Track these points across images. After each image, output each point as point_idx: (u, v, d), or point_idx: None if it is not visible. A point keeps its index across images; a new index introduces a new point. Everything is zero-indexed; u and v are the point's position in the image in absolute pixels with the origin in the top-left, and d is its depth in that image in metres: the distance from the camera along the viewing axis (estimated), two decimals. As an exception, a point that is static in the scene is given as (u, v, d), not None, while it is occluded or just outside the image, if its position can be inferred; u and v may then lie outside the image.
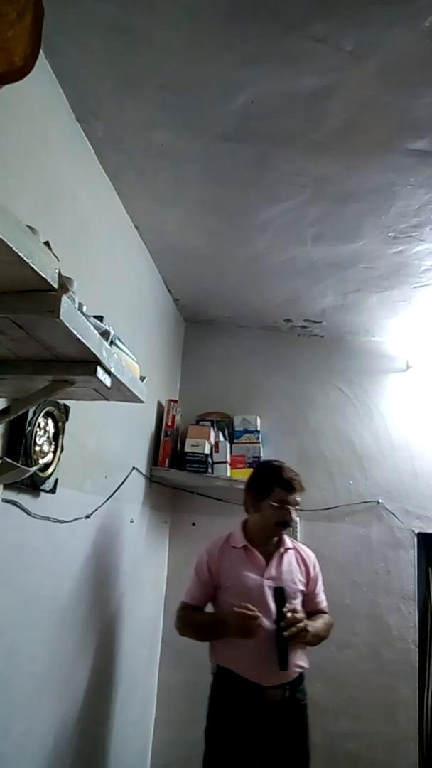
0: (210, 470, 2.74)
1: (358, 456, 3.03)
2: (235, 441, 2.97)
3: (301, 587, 2.12)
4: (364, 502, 2.95)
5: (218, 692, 2.03)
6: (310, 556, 2.22)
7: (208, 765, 1.97)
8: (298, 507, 2.12)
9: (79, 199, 1.74)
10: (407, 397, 3.09)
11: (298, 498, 2.10)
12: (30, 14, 0.97)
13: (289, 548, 2.18)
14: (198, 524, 3.00)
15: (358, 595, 2.83)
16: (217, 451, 2.83)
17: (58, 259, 0.90)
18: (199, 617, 2.12)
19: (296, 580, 2.10)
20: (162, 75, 1.51)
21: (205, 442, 2.75)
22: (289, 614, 1.92)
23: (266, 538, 2.13)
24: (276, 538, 2.15)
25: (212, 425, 2.89)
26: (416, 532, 2.89)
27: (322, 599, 2.21)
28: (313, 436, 3.08)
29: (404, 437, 3.03)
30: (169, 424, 2.73)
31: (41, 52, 1.15)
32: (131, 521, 2.38)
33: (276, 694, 1.95)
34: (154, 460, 2.66)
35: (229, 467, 2.83)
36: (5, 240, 0.72)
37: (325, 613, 2.18)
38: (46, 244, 0.89)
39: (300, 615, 1.95)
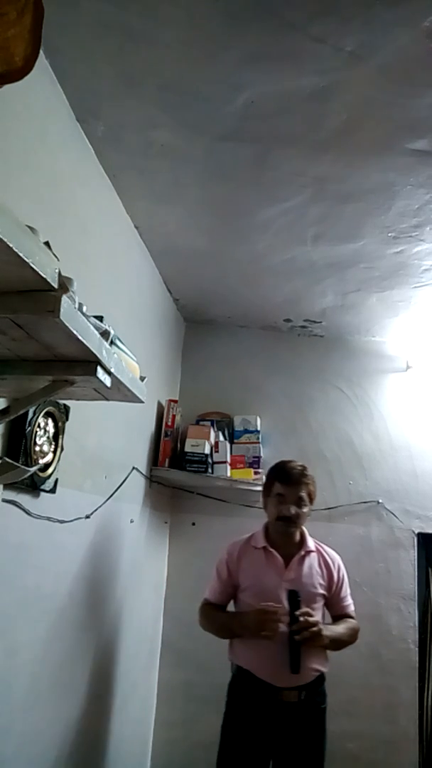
0: (210, 470, 2.74)
1: (358, 456, 3.03)
2: (235, 441, 2.97)
3: (322, 591, 2.08)
4: (364, 502, 2.94)
5: (236, 692, 2.04)
6: (334, 559, 2.18)
7: (223, 763, 1.98)
8: (304, 504, 2.07)
9: (79, 199, 1.74)
10: (407, 397, 3.09)
11: (301, 493, 2.06)
12: (30, 14, 0.97)
13: (312, 551, 2.14)
14: (198, 524, 3.00)
15: (358, 595, 2.81)
16: (217, 451, 2.83)
17: (58, 259, 0.90)
18: (220, 615, 2.13)
19: (316, 584, 2.07)
20: (162, 75, 1.51)
21: (205, 442, 2.75)
22: (301, 618, 1.90)
23: (283, 538, 2.11)
24: (298, 540, 2.13)
25: (212, 425, 2.89)
26: (416, 532, 2.90)
27: (348, 603, 2.17)
28: (313, 436, 3.08)
29: (404, 437, 3.03)
30: (169, 424, 2.72)
31: (41, 52, 1.15)
32: (131, 521, 2.38)
33: (292, 695, 1.95)
34: (154, 460, 2.66)
35: (229, 467, 2.83)
36: (5, 240, 0.72)
37: (351, 617, 2.14)
38: (46, 244, 0.89)
39: (313, 619, 1.92)
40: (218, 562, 2.17)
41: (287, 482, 2.06)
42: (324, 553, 2.18)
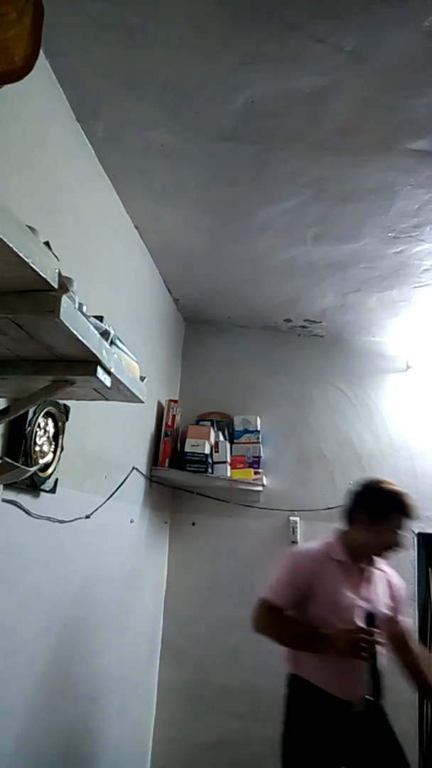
0: (210, 470, 2.74)
1: (358, 456, 3.03)
2: (235, 441, 2.97)
3: (389, 611, 2.07)
4: (364, 502, 2.94)
5: (301, 704, 1.98)
6: (397, 579, 2.18)
7: None
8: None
9: (79, 199, 1.74)
10: (407, 397, 3.09)
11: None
12: (30, 14, 0.97)
13: (381, 569, 2.13)
14: (198, 524, 3.00)
15: (358, 595, 2.82)
16: (217, 451, 2.83)
17: (58, 259, 0.90)
18: (296, 626, 2.00)
19: (385, 603, 2.06)
20: (162, 75, 1.51)
21: (205, 442, 2.74)
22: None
23: (367, 556, 2.07)
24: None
25: (212, 425, 2.89)
26: (416, 532, 2.89)
27: (407, 620, 2.15)
28: (313, 436, 3.08)
29: (404, 437, 3.03)
30: (169, 424, 2.72)
31: (41, 52, 1.15)
32: (131, 521, 2.38)
33: (361, 704, 1.91)
34: (154, 460, 2.66)
35: (229, 467, 2.83)
36: (5, 240, 0.72)
37: (407, 635, 2.12)
38: (46, 244, 0.89)
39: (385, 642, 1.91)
40: (294, 567, 2.06)
41: (411, 518, 2.05)
42: (388, 571, 2.17)
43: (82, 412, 1.73)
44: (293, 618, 2.01)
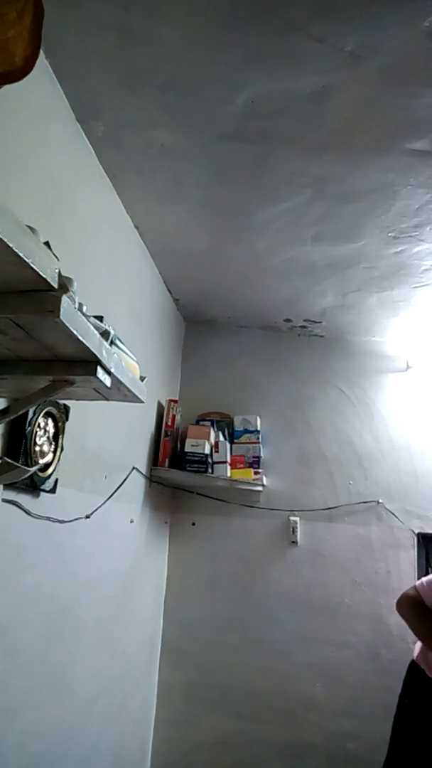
0: (210, 470, 2.74)
1: (358, 456, 3.03)
2: (235, 441, 2.97)
3: None
4: (364, 502, 2.94)
5: (415, 690, 2.06)
6: None
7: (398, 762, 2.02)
8: None
9: (79, 199, 1.74)
10: (407, 397, 3.09)
11: None
12: (30, 14, 0.97)
13: None
14: (198, 524, 3.00)
15: (358, 595, 2.83)
16: (217, 451, 2.83)
17: (58, 259, 0.90)
18: None
19: None
20: (162, 75, 1.51)
21: (205, 442, 2.74)
22: None
23: None
24: None
25: (212, 425, 2.89)
26: (416, 532, 2.89)
27: None
28: (313, 436, 3.08)
29: (404, 437, 3.03)
30: (169, 424, 2.72)
31: (41, 52, 1.15)
32: (131, 521, 2.38)
33: None
34: (154, 460, 2.66)
35: (229, 467, 2.83)
36: (5, 240, 0.72)
37: None
38: (46, 244, 0.89)
39: None
40: None
41: None
42: None
43: (82, 412, 1.73)
44: None
